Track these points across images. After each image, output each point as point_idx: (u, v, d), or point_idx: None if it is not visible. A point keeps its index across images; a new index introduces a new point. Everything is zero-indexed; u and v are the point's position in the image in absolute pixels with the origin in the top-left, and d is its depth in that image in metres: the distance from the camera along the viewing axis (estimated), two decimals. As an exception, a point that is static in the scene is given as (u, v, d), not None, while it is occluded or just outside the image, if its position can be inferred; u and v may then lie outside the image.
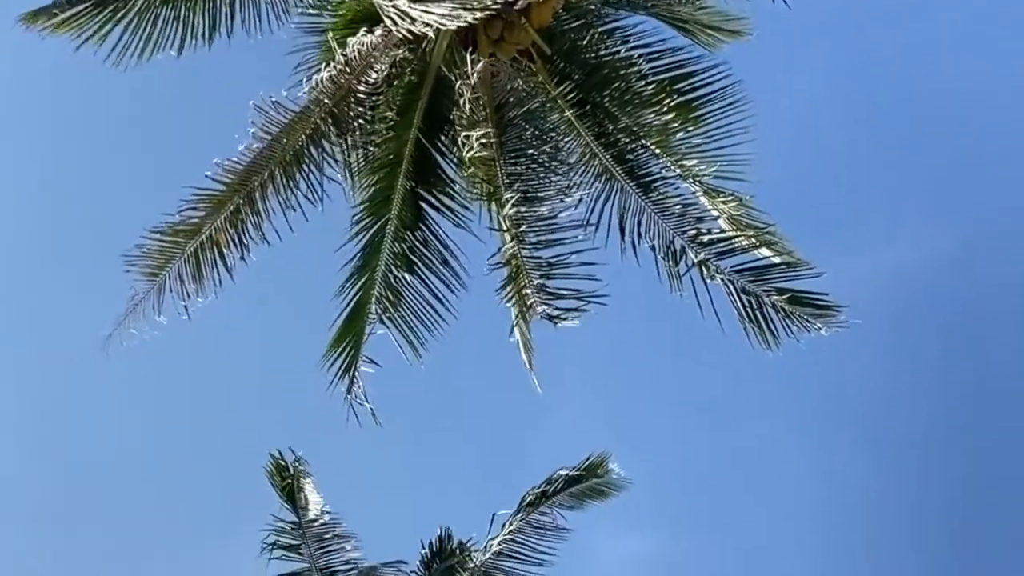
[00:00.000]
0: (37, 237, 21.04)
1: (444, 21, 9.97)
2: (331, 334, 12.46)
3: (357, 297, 12.45)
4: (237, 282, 12.20)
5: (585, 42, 12.18)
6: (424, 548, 14.56)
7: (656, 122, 11.83)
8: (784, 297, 11.20)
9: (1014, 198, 20.47)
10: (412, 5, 10.22)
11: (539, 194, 11.74)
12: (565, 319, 11.22)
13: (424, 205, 12.60)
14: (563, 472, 14.83)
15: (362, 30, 11.52)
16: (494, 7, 9.93)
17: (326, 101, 11.68)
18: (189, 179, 12.01)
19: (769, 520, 21.92)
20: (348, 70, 11.55)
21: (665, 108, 11.75)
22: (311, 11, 12.48)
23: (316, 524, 14.57)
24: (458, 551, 14.50)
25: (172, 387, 21.15)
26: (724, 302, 11.28)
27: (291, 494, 14.47)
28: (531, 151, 11.89)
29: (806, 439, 22.41)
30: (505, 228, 11.54)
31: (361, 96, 11.92)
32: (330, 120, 11.90)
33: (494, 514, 14.55)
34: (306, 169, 11.97)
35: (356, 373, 12.27)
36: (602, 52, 12.18)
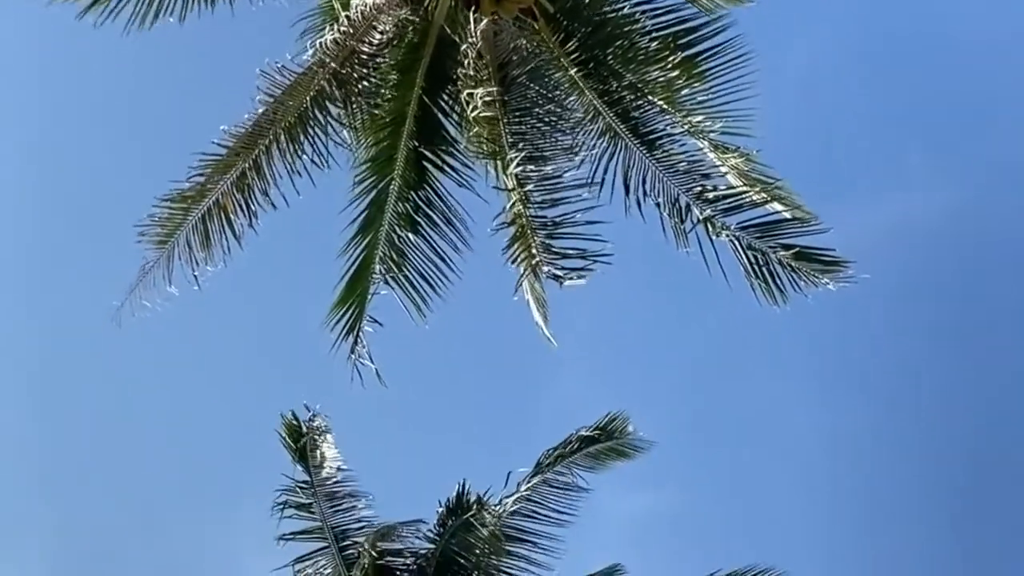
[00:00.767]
0: (48, 210, 21.11)
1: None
2: (335, 294, 12.47)
3: (361, 257, 12.44)
4: (246, 244, 12.26)
5: (588, 0, 12.11)
6: (441, 506, 14.60)
7: (660, 79, 11.75)
8: (791, 253, 11.17)
9: (1021, 150, 20.42)
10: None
11: (544, 153, 11.71)
12: (571, 278, 11.22)
13: (427, 164, 12.56)
14: (579, 432, 14.85)
15: (365, -10, 11.49)
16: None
17: (330, 63, 11.67)
18: (198, 147, 12.07)
19: (774, 476, 22.01)
20: (351, 31, 11.51)
21: (669, 65, 11.67)
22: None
23: (328, 483, 14.63)
24: (476, 506, 14.54)
25: (184, 351, 21.24)
26: (730, 259, 11.26)
27: (303, 452, 14.54)
28: (535, 110, 11.84)
29: (812, 395, 22.47)
30: (510, 187, 11.51)
31: (364, 57, 11.91)
32: (334, 82, 11.90)
33: (509, 472, 14.60)
34: (311, 132, 12.00)
35: (360, 333, 12.26)
36: (605, 9, 12.09)
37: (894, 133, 21.26)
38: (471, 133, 12.17)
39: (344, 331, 12.31)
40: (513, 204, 11.52)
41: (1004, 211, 21.04)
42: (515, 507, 14.45)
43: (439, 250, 12.55)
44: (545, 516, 14.45)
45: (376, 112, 12.41)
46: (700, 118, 11.57)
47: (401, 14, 11.81)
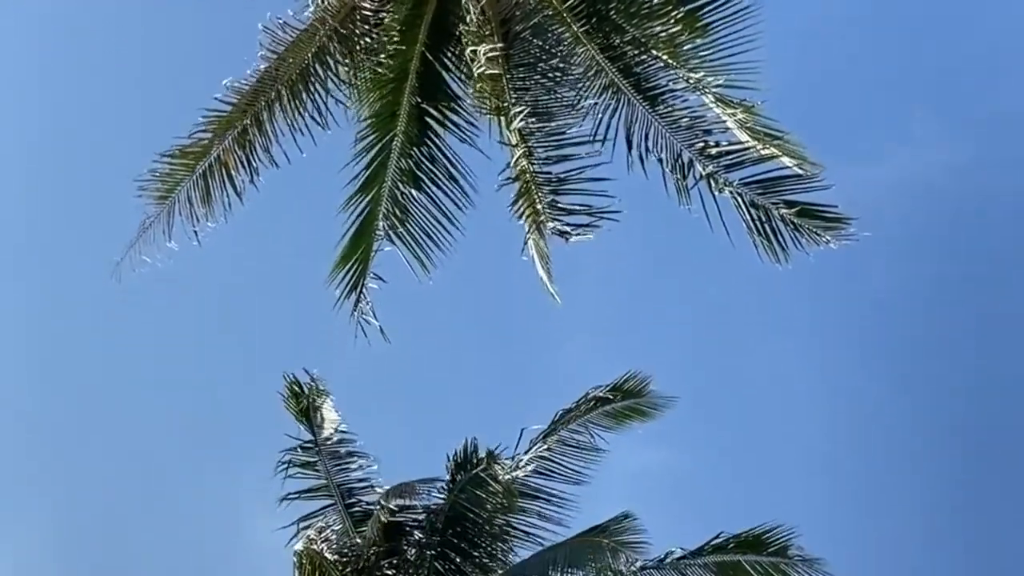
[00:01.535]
0: (50, 165, 21.09)
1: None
2: (337, 250, 12.45)
3: (364, 214, 12.40)
4: (247, 201, 12.26)
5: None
6: (449, 460, 14.63)
7: (663, 33, 11.66)
8: (793, 210, 11.14)
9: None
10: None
11: (548, 109, 11.69)
12: (577, 235, 11.21)
13: (430, 121, 12.51)
14: (594, 392, 14.83)
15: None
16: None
17: (331, 20, 11.62)
18: (199, 103, 12.06)
19: (777, 434, 22.06)
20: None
21: (672, 19, 11.59)
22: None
23: (331, 442, 14.67)
24: (486, 459, 14.55)
25: (185, 310, 21.27)
26: (733, 216, 11.23)
27: (306, 413, 14.57)
28: (539, 65, 11.81)
29: (815, 352, 22.49)
30: (514, 143, 11.48)
31: (366, 13, 11.86)
32: (336, 39, 11.86)
33: (522, 429, 14.61)
34: (313, 88, 11.97)
35: (364, 290, 12.25)
36: (608, -37, 12.02)
37: (898, 89, 21.17)
38: (474, 89, 12.12)
39: (347, 288, 12.30)
40: (517, 160, 11.49)
41: (1009, 167, 20.98)
42: (530, 464, 14.48)
43: (443, 207, 12.52)
44: (560, 474, 14.48)
45: (378, 69, 12.36)
46: (703, 73, 11.49)
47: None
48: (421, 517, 14.10)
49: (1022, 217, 21.17)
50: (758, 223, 11.20)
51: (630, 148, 11.54)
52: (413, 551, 13.80)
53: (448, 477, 14.41)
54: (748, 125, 11.20)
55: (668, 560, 13.68)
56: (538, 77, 11.73)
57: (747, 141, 11.15)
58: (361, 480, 14.61)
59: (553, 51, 11.80)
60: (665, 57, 11.59)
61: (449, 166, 12.53)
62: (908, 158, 21.45)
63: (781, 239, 11.23)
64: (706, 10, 11.68)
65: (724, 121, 11.32)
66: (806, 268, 11.38)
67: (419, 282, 12.40)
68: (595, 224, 11.15)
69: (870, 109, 21.20)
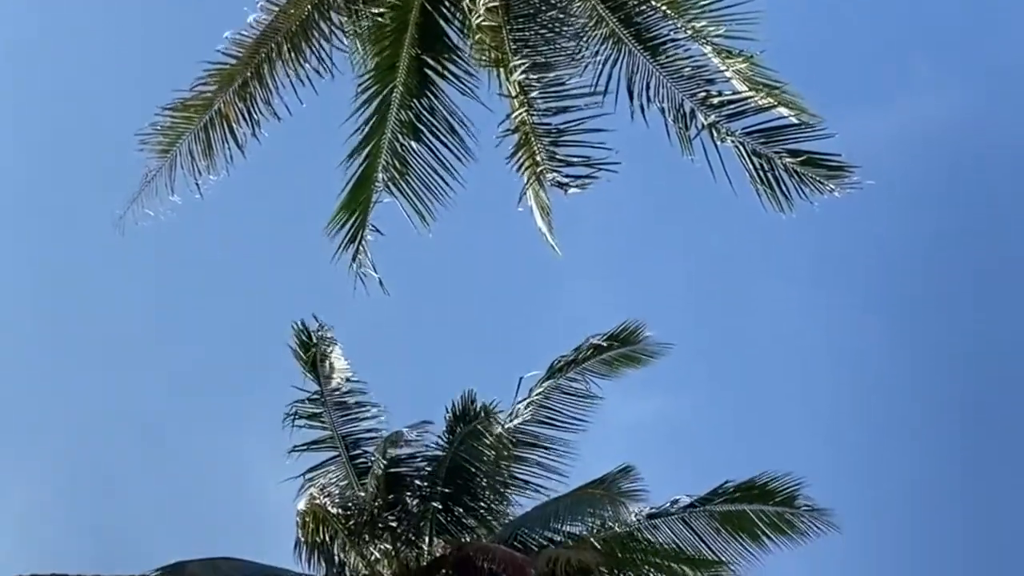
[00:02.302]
0: (50, 118, 21.05)
1: None
2: (337, 202, 12.41)
3: (364, 166, 12.34)
4: (249, 154, 12.25)
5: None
6: (447, 412, 14.69)
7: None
8: (796, 159, 11.08)
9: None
10: None
11: (548, 60, 11.63)
12: (576, 186, 11.20)
13: (430, 72, 12.43)
14: (592, 340, 14.87)
15: None
16: None
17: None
18: (200, 55, 12.04)
19: (780, 383, 22.12)
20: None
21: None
22: None
23: (338, 392, 14.74)
24: (483, 414, 14.62)
25: (187, 262, 21.29)
26: (736, 166, 11.19)
27: (314, 362, 14.63)
28: (538, 16, 11.74)
29: (819, 300, 22.51)
30: (514, 95, 11.43)
31: (365, -36, 11.78)
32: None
33: (521, 378, 14.66)
34: (313, 40, 11.94)
35: (363, 242, 12.21)
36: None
37: (901, 37, 21.05)
38: (474, 40, 12.05)
39: (346, 239, 12.26)
40: (517, 112, 11.44)
41: (1012, 116, 20.90)
42: (527, 413, 14.55)
43: (442, 158, 12.46)
44: (558, 422, 14.56)
45: (378, 20, 12.28)
46: (704, 23, 11.41)
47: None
48: (423, 465, 14.22)
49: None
50: (761, 172, 11.14)
51: (631, 98, 11.46)
52: (415, 503, 13.91)
53: (446, 428, 14.53)
54: (748, 75, 11.13)
55: (674, 509, 13.78)
56: (538, 28, 11.66)
57: (749, 91, 11.10)
58: (370, 430, 14.71)
59: (553, 1, 11.72)
60: (665, 7, 11.52)
61: (449, 118, 12.46)
62: (910, 107, 21.37)
63: (784, 188, 11.17)
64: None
65: (724, 71, 11.26)
66: (809, 217, 11.35)
67: (419, 234, 12.39)
68: (594, 175, 11.12)
69: (872, 57, 21.10)
